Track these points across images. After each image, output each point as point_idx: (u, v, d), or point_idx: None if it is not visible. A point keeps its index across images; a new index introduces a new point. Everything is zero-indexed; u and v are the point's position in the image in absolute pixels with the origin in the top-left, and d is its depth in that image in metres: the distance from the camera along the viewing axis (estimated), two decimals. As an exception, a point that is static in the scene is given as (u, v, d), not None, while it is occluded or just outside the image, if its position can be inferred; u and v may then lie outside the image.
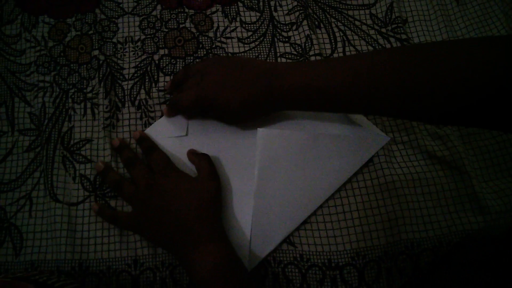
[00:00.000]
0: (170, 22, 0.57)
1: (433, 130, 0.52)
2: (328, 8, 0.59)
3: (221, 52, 0.56)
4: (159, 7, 0.58)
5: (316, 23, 0.58)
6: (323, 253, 0.47)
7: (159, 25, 0.57)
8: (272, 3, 0.59)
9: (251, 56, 0.56)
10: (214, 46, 0.56)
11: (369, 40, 0.57)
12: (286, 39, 0.57)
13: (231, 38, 0.57)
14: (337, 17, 0.58)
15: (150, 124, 0.52)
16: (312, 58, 0.55)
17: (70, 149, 0.51)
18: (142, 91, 0.53)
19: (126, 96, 0.53)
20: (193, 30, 0.57)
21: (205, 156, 0.48)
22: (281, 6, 0.59)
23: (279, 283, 0.46)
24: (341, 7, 0.59)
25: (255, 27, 0.58)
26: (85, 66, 0.55)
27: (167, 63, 0.55)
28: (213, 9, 0.58)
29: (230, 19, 0.58)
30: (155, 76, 0.54)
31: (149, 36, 0.56)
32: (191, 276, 0.43)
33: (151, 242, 0.47)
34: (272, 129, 0.49)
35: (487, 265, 0.39)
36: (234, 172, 0.49)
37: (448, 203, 0.49)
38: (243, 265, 0.43)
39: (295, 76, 0.42)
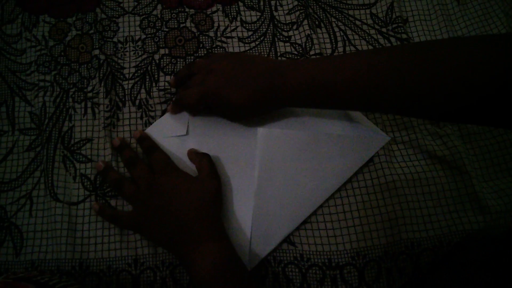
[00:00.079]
0: (170, 21, 0.57)
1: (434, 129, 0.52)
2: (328, 8, 0.59)
3: (221, 51, 0.56)
4: (159, 6, 0.58)
5: (317, 22, 0.58)
6: (323, 253, 0.47)
7: (160, 24, 0.57)
8: (273, 2, 0.59)
9: None
10: (214, 45, 0.56)
11: (370, 39, 0.57)
12: (287, 39, 0.57)
13: (232, 37, 0.57)
14: (337, 16, 0.58)
15: (150, 123, 0.52)
16: (313, 57, 0.55)
17: (71, 148, 0.51)
18: (143, 90, 0.53)
19: (127, 96, 0.53)
20: (194, 29, 0.57)
21: (206, 156, 0.48)
22: (281, 5, 0.59)
23: (279, 283, 0.46)
24: (341, 6, 0.59)
25: (255, 27, 0.58)
26: (85, 65, 0.55)
27: (167, 62, 0.55)
28: (214, 8, 0.58)
29: (230, 18, 0.58)
30: (156, 76, 0.54)
31: (149, 35, 0.56)
32: (191, 276, 0.43)
33: (152, 241, 0.47)
34: (272, 129, 0.49)
35: (487, 265, 0.39)
36: (234, 171, 0.49)
37: (448, 202, 0.49)
38: (244, 264, 0.43)
39: (299, 73, 0.42)
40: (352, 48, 0.57)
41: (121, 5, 0.58)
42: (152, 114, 0.52)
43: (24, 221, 0.48)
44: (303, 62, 0.44)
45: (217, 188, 0.46)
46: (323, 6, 0.59)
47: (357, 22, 0.58)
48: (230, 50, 0.56)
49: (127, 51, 0.55)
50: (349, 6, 0.59)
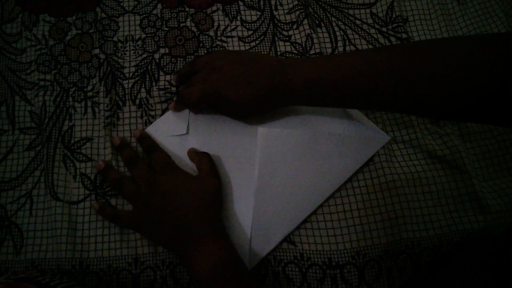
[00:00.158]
0: (170, 21, 0.57)
1: (434, 129, 0.52)
2: (328, 7, 0.59)
3: (223, 49, 0.56)
4: (159, 6, 0.58)
5: (317, 22, 0.58)
6: (324, 252, 0.47)
7: (160, 24, 0.57)
8: (273, 2, 0.59)
9: None
10: (214, 45, 0.56)
11: (370, 39, 0.57)
12: (287, 38, 0.57)
13: (232, 37, 0.57)
14: (337, 16, 0.58)
15: (150, 123, 0.52)
16: (315, 56, 0.55)
17: (71, 147, 0.51)
18: (143, 90, 0.53)
19: (127, 95, 0.53)
20: (194, 29, 0.57)
21: (206, 155, 0.48)
22: (281, 5, 0.59)
23: (279, 282, 0.46)
24: (341, 6, 0.59)
25: (255, 26, 0.58)
26: (85, 64, 0.55)
27: (167, 62, 0.55)
28: (214, 8, 0.58)
29: (230, 18, 0.58)
30: (156, 75, 0.54)
31: (149, 35, 0.56)
32: (191, 275, 0.43)
33: (152, 240, 0.47)
34: (272, 129, 0.49)
35: (487, 265, 0.39)
36: (234, 171, 0.49)
37: (448, 202, 0.49)
38: (244, 264, 0.43)
39: (302, 72, 0.43)
40: (352, 48, 0.57)
41: (121, 4, 0.58)
42: (152, 113, 0.52)
43: (24, 220, 0.48)
44: (305, 61, 0.44)
45: (217, 188, 0.46)
46: (323, 5, 0.59)
47: (357, 22, 0.58)
48: (231, 49, 0.56)
49: (127, 51, 0.55)
50: (349, 5, 0.59)
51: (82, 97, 0.53)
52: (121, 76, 0.54)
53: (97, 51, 0.55)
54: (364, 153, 0.49)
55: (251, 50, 0.56)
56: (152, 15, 0.57)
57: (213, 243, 0.42)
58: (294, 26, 0.57)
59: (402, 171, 0.50)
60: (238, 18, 0.58)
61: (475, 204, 0.48)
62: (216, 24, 0.57)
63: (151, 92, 0.53)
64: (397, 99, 0.40)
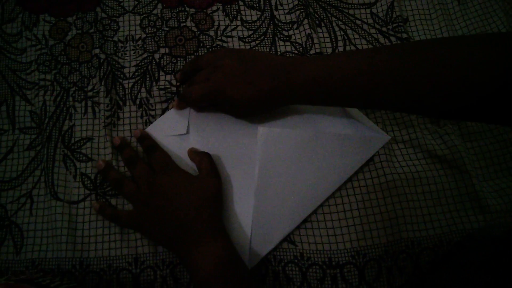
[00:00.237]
0: (170, 21, 0.57)
1: (434, 129, 0.52)
2: (329, 7, 0.59)
3: (226, 47, 0.56)
4: (159, 5, 0.58)
5: (317, 22, 0.58)
6: (324, 252, 0.47)
7: (160, 24, 0.57)
8: (273, 2, 0.59)
9: None
10: (214, 45, 0.56)
11: (370, 39, 0.57)
12: (287, 38, 0.57)
13: (232, 37, 0.57)
14: (338, 16, 0.58)
15: (150, 122, 0.52)
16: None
17: (71, 147, 0.51)
18: (143, 89, 0.53)
19: (127, 95, 0.53)
20: (194, 29, 0.57)
21: (206, 155, 0.48)
22: (281, 5, 0.59)
23: (279, 282, 0.46)
24: (341, 6, 0.59)
25: (255, 26, 0.58)
26: (86, 64, 0.55)
27: (167, 62, 0.55)
28: (214, 7, 0.58)
29: (230, 18, 0.58)
30: (156, 75, 0.54)
31: (150, 35, 0.56)
32: (191, 275, 0.43)
33: (152, 240, 0.47)
34: (273, 128, 0.49)
35: (487, 265, 0.39)
36: (235, 170, 0.49)
37: (448, 202, 0.49)
38: (244, 263, 0.43)
39: (305, 71, 0.43)
40: (353, 48, 0.57)
41: (121, 4, 0.58)
42: (153, 113, 0.52)
43: (24, 220, 0.48)
44: (307, 60, 0.44)
45: (217, 187, 0.46)
46: (323, 5, 0.59)
47: (358, 22, 0.58)
48: (231, 49, 0.56)
49: (127, 50, 0.55)
50: (350, 5, 0.59)
51: (82, 97, 0.53)
52: (121, 76, 0.54)
53: (97, 51, 0.55)
54: (364, 153, 0.49)
55: (254, 48, 0.56)
56: (152, 15, 0.58)
57: (213, 242, 0.42)
58: (294, 26, 0.57)
59: (402, 171, 0.50)
60: (238, 18, 0.58)
61: (475, 204, 0.48)
62: (216, 24, 0.57)
63: (152, 92, 0.53)
64: (396, 99, 0.40)
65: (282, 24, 0.58)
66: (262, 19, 0.58)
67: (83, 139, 0.51)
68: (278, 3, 0.59)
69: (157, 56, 0.55)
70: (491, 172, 0.51)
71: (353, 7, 0.59)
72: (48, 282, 0.38)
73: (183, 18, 0.58)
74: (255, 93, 0.44)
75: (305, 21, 0.57)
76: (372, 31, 0.58)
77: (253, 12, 0.58)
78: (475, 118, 0.40)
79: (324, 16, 0.58)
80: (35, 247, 0.47)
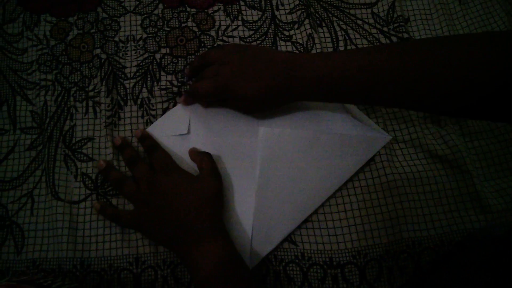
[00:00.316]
0: (172, 21, 0.57)
1: (435, 128, 0.52)
2: (330, 7, 0.59)
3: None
4: (161, 6, 0.58)
5: (318, 22, 0.58)
6: (325, 252, 0.47)
7: (161, 24, 0.57)
8: (274, 2, 0.59)
9: None
10: (215, 45, 0.56)
11: (371, 39, 0.57)
12: (288, 38, 0.57)
13: (233, 37, 0.57)
14: (339, 16, 0.58)
15: (151, 122, 0.52)
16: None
17: (72, 147, 0.51)
18: (144, 89, 0.53)
19: (129, 95, 0.53)
20: (195, 29, 0.57)
21: (207, 155, 0.48)
22: (283, 5, 0.59)
23: (280, 282, 0.46)
24: (343, 6, 0.59)
25: (256, 26, 0.58)
26: (87, 64, 0.55)
27: (168, 62, 0.55)
28: (215, 8, 0.58)
29: (231, 18, 0.58)
30: (157, 75, 0.54)
31: (150, 35, 0.56)
32: (192, 275, 0.43)
33: (153, 240, 0.47)
34: (273, 128, 0.49)
35: (487, 265, 0.39)
36: (235, 170, 0.49)
37: (449, 202, 0.49)
38: (245, 263, 0.43)
39: (313, 68, 0.43)
40: (354, 47, 0.57)
41: (122, 4, 0.58)
42: (153, 113, 0.52)
43: (25, 220, 0.48)
44: (312, 57, 0.44)
45: (218, 187, 0.46)
46: (324, 5, 0.59)
47: (359, 22, 0.58)
48: (231, 49, 0.56)
49: (128, 50, 0.55)
50: (351, 5, 0.59)
51: (83, 97, 0.53)
52: (122, 76, 0.54)
53: (98, 51, 0.55)
54: (365, 153, 0.49)
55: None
56: (153, 15, 0.58)
57: (214, 242, 0.42)
58: (296, 26, 0.57)
59: (403, 171, 0.50)
60: (239, 18, 0.58)
61: (476, 203, 0.48)
62: (217, 24, 0.57)
63: (153, 92, 0.53)
64: (396, 97, 0.41)
65: (283, 24, 0.58)
66: (263, 19, 0.58)
67: (84, 139, 0.51)
68: (279, 3, 0.59)
69: (158, 56, 0.55)
70: (492, 172, 0.51)
71: (354, 7, 0.59)
72: (50, 283, 0.38)
73: (184, 18, 0.58)
74: (262, 89, 0.44)
75: (306, 21, 0.57)
76: (373, 31, 0.58)
77: (254, 12, 0.58)
78: (475, 116, 0.40)
79: (325, 16, 0.58)
80: (36, 247, 0.47)
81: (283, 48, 0.56)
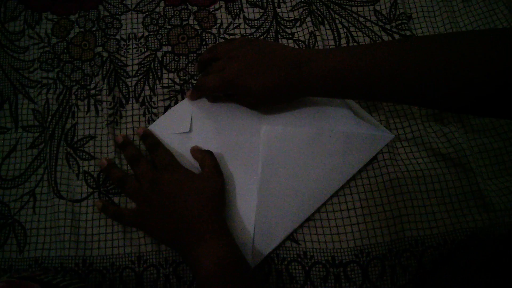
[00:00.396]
0: (173, 19, 0.57)
1: (438, 127, 0.52)
2: (332, 5, 0.59)
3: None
4: (162, 3, 0.58)
5: (320, 19, 0.58)
6: (327, 250, 0.47)
7: (162, 22, 0.57)
8: (276, -1, 0.59)
9: None
10: (217, 43, 0.56)
11: (373, 36, 0.57)
12: (290, 36, 0.57)
13: (235, 34, 0.57)
14: (341, 13, 0.58)
15: (153, 120, 0.52)
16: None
17: (74, 145, 0.51)
18: (146, 87, 0.53)
19: (130, 93, 0.53)
20: (197, 27, 0.57)
21: (209, 153, 0.48)
22: (284, 2, 0.59)
23: (282, 280, 0.46)
24: (345, 3, 0.59)
25: (258, 24, 0.57)
26: (88, 62, 0.55)
27: (170, 60, 0.55)
28: (217, 5, 0.58)
29: (233, 15, 0.58)
30: (159, 73, 0.54)
31: (152, 33, 0.56)
32: (194, 273, 0.43)
33: (155, 238, 0.47)
34: (276, 126, 0.49)
35: (488, 265, 0.39)
36: (237, 169, 0.49)
37: (452, 200, 0.49)
38: (247, 262, 0.43)
39: (320, 63, 0.43)
40: (356, 45, 0.56)
41: (124, 2, 0.58)
42: (155, 111, 0.52)
43: (27, 218, 0.48)
44: (320, 52, 0.44)
45: (220, 186, 0.46)
46: (326, 2, 0.59)
47: (361, 19, 0.58)
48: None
49: (130, 48, 0.55)
50: (353, 2, 0.59)
51: (85, 95, 0.53)
52: (124, 74, 0.54)
53: (100, 49, 0.55)
54: (367, 151, 0.49)
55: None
56: (154, 13, 0.57)
57: (215, 241, 0.42)
58: (297, 24, 0.57)
59: (406, 169, 0.49)
60: (241, 15, 0.58)
61: (479, 202, 0.48)
62: (219, 21, 0.57)
63: (155, 90, 0.53)
64: (396, 93, 0.41)
65: (285, 21, 0.58)
66: (265, 16, 0.58)
67: (86, 137, 0.51)
68: (281, 0, 0.59)
69: (159, 54, 0.55)
70: (495, 170, 0.51)
71: (356, 5, 0.59)
72: (50, 279, 0.38)
73: (186, 16, 0.57)
74: (269, 84, 0.44)
75: (308, 18, 0.57)
76: (376, 28, 0.57)
77: (256, 9, 0.58)
78: (477, 112, 0.40)
79: (327, 13, 0.58)
80: (38, 246, 0.47)
81: (285, 46, 0.56)
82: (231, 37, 0.56)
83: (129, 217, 0.46)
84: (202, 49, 0.56)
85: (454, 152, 0.50)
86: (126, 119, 0.52)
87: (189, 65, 0.55)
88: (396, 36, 0.57)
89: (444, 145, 0.50)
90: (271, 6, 0.58)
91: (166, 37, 0.56)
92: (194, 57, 0.55)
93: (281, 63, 0.44)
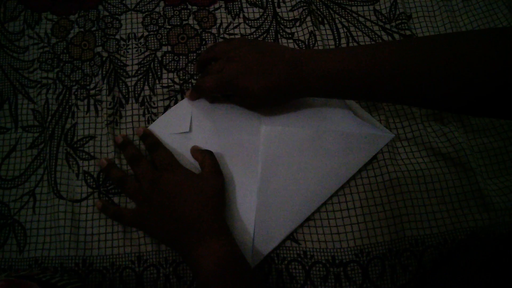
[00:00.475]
0: (173, 18, 0.57)
1: (438, 126, 0.52)
2: (331, 4, 0.59)
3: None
4: (162, 3, 0.58)
5: (320, 19, 0.58)
6: (327, 250, 0.47)
7: (162, 21, 0.57)
8: (276, -1, 0.59)
9: None
10: (216, 42, 0.56)
11: (373, 36, 0.57)
12: (290, 35, 0.57)
13: (234, 34, 0.57)
14: (340, 13, 0.58)
15: (153, 120, 0.52)
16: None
17: (74, 145, 0.51)
18: (146, 87, 0.53)
19: (130, 93, 0.53)
20: (196, 26, 0.57)
21: (209, 153, 0.48)
22: (284, 2, 0.59)
23: (282, 280, 0.46)
24: (344, 3, 0.59)
25: (258, 23, 0.57)
26: (88, 62, 0.55)
27: (170, 60, 0.55)
28: (216, 5, 0.58)
29: (233, 15, 0.58)
30: (159, 73, 0.54)
31: (152, 33, 0.56)
32: (194, 273, 0.43)
33: (155, 238, 0.47)
34: (275, 126, 0.49)
35: (488, 265, 0.39)
36: (237, 169, 0.49)
37: (452, 200, 0.49)
38: (247, 262, 0.43)
39: (320, 63, 0.43)
40: (356, 45, 0.56)
41: (124, 2, 0.58)
42: (155, 111, 0.52)
43: (27, 218, 0.48)
44: (317, 53, 0.44)
45: (220, 185, 0.46)
46: (326, 2, 0.59)
47: (361, 19, 0.58)
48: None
49: (129, 48, 0.55)
50: (353, 2, 0.59)
51: (84, 95, 0.53)
52: (124, 74, 0.54)
53: (99, 49, 0.55)
54: (367, 151, 0.49)
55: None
56: (154, 13, 0.57)
57: (216, 241, 0.42)
58: (297, 23, 0.57)
59: (406, 169, 0.49)
60: (241, 15, 0.58)
61: (479, 201, 0.48)
62: (218, 21, 0.57)
63: (155, 90, 0.53)
64: (396, 93, 0.41)
65: (284, 21, 0.58)
66: (265, 16, 0.58)
67: (86, 138, 0.51)
68: (280, 0, 0.59)
69: (159, 54, 0.55)
70: (495, 169, 0.51)
71: (356, 4, 0.59)
72: (49, 278, 0.38)
73: (186, 16, 0.57)
74: (268, 84, 0.44)
75: (308, 18, 0.57)
76: (375, 28, 0.57)
77: (256, 9, 0.58)
78: (477, 112, 0.40)
79: (327, 13, 0.58)
80: (38, 246, 0.47)
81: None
82: (231, 36, 0.56)
83: (129, 217, 0.46)
84: (202, 49, 0.56)
85: (454, 151, 0.50)
86: (125, 119, 0.52)
87: (189, 65, 0.55)
88: (396, 36, 0.57)
89: (444, 144, 0.50)
90: (271, 5, 0.58)
91: (165, 37, 0.56)
92: (194, 57, 0.55)
93: (281, 63, 0.44)
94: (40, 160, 0.50)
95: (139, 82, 0.53)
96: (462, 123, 0.52)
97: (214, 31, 0.57)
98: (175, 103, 0.53)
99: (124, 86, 0.53)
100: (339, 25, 0.57)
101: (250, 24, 0.57)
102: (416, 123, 0.52)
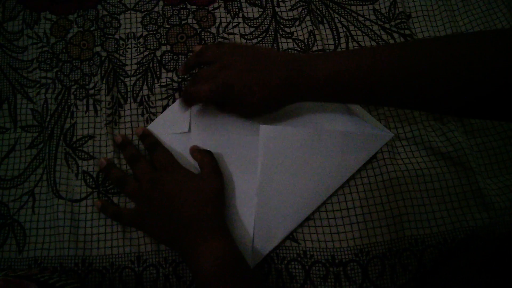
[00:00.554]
0: (172, 18, 0.57)
1: (437, 126, 0.52)
2: (331, 4, 0.59)
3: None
4: (161, 3, 0.58)
5: (319, 18, 0.58)
6: (327, 250, 0.47)
7: (161, 21, 0.57)
8: (275, -2, 0.59)
9: None
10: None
11: (373, 35, 0.57)
12: (289, 35, 0.57)
13: (234, 34, 0.56)
14: (340, 12, 0.58)
15: (151, 120, 0.52)
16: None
17: (73, 145, 0.51)
18: (145, 87, 0.53)
19: (129, 93, 0.53)
20: (195, 26, 0.57)
21: (208, 153, 0.48)
22: (283, 1, 0.59)
23: (282, 280, 0.46)
24: (344, 2, 0.59)
25: (257, 23, 0.57)
26: (87, 62, 0.54)
27: (169, 59, 0.55)
28: (215, 4, 0.58)
29: (232, 14, 0.58)
30: (158, 73, 0.54)
31: (151, 32, 0.56)
32: (194, 273, 0.43)
33: (154, 238, 0.47)
34: (274, 126, 0.49)
35: (488, 265, 0.39)
36: (237, 168, 0.49)
37: (452, 199, 0.49)
38: (246, 261, 0.43)
39: (316, 68, 0.42)
40: (355, 44, 0.56)
41: (123, 1, 0.58)
42: (153, 110, 0.52)
43: (26, 218, 0.48)
44: (317, 57, 0.43)
45: (219, 185, 0.46)
46: (325, 1, 0.59)
47: (360, 18, 0.58)
48: (232, 46, 0.56)
49: (128, 48, 0.55)
50: (352, 1, 0.59)
51: (83, 95, 0.53)
52: (123, 73, 0.54)
53: (98, 48, 0.55)
54: (367, 151, 0.49)
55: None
56: (153, 13, 0.57)
57: (215, 241, 0.42)
58: (297, 23, 0.57)
59: (406, 168, 0.49)
60: (240, 15, 0.58)
61: (479, 201, 0.48)
62: (218, 21, 0.57)
63: (153, 90, 0.53)
64: (397, 96, 0.41)
65: (284, 21, 0.58)
66: (264, 16, 0.58)
67: (85, 137, 0.51)
68: (280, -1, 0.59)
69: (158, 53, 0.55)
70: (495, 169, 0.51)
71: (356, 4, 0.59)
72: (47, 278, 0.38)
73: (185, 15, 0.57)
74: (265, 92, 0.43)
75: (307, 17, 0.57)
76: (375, 27, 0.57)
77: (255, 9, 0.58)
78: (476, 115, 0.40)
79: (326, 12, 0.58)
80: (37, 246, 0.47)
81: (284, 45, 0.56)
82: (230, 36, 0.56)
83: (129, 217, 0.46)
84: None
85: (454, 151, 0.50)
86: (124, 118, 0.52)
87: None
88: (395, 35, 0.56)
89: (444, 144, 0.50)
90: (270, 5, 0.58)
91: (165, 36, 0.56)
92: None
93: (275, 71, 0.43)
94: (39, 160, 0.50)
95: (138, 81, 0.53)
96: (461, 123, 0.52)
97: (213, 30, 0.57)
98: (173, 101, 0.52)
99: (123, 85, 0.53)
100: (339, 25, 0.57)
101: (249, 23, 0.57)
102: (415, 122, 0.52)
